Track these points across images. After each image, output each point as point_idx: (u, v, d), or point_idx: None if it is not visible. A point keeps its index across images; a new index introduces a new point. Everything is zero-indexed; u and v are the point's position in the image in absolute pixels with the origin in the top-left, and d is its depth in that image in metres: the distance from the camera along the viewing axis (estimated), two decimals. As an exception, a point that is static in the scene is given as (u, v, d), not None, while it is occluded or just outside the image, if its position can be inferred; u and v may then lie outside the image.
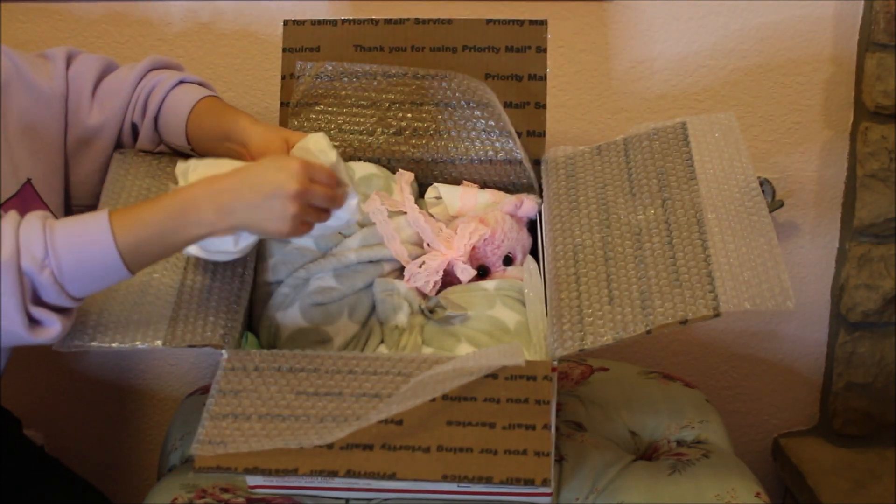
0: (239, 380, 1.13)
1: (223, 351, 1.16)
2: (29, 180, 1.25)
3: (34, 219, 1.07)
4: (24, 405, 1.56)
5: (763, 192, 1.26)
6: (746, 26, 1.62)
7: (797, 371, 1.84)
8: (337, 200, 1.13)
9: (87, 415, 1.83)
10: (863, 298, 1.71)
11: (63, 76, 1.29)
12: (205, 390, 1.53)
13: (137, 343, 1.16)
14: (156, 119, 1.31)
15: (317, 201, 1.10)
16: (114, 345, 1.16)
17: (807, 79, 1.66)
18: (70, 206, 1.33)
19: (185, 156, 1.36)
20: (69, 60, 1.31)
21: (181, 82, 1.32)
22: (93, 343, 1.16)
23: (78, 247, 1.06)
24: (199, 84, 1.34)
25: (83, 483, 1.43)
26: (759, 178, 1.32)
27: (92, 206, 1.32)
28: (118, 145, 1.34)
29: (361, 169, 1.36)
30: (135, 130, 1.34)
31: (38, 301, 1.07)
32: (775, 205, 1.68)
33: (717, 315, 1.10)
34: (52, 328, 1.08)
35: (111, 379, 1.81)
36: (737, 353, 1.82)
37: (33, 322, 1.07)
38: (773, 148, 1.70)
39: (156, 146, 1.33)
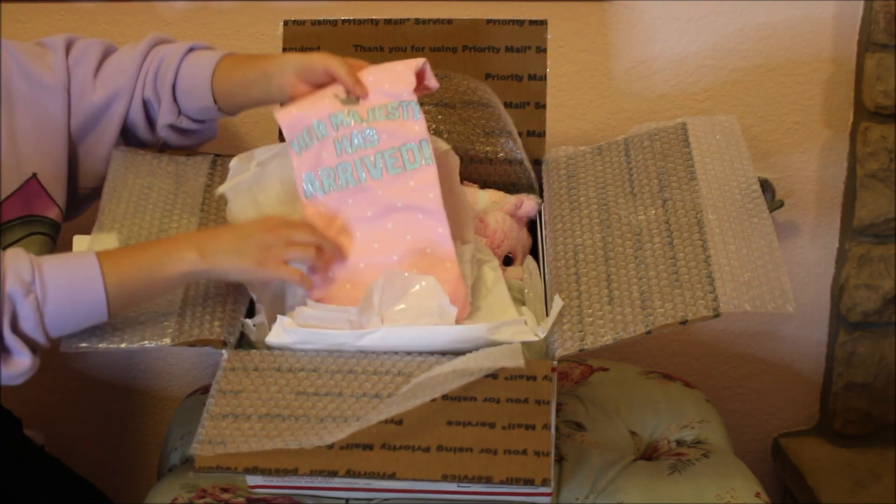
0: (239, 380, 1.13)
1: (223, 351, 1.16)
2: (35, 175, 1.24)
3: (18, 249, 1.09)
4: (24, 405, 1.56)
5: (763, 191, 1.26)
6: (746, 26, 1.62)
7: (797, 371, 1.84)
8: (318, 235, 1.18)
9: (87, 415, 1.83)
10: (863, 298, 1.71)
11: (63, 66, 1.28)
12: (205, 390, 1.53)
13: (146, 342, 1.16)
14: (173, 89, 1.29)
15: (296, 237, 1.16)
16: (122, 345, 1.16)
17: (807, 79, 1.66)
18: (77, 191, 1.33)
19: (186, 155, 1.36)
20: (68, 48, 1.30)
21: (192, 49, 1.31)
22: (101, 345, 1.16)
23: (64, 276, 1.08)
24: (210, 49, 1.33)
25: (84, 483, 1.43)
26: (759, 178, 1.32)
27: (98, 189, 1.32)
28: (130, 129, 1.33)
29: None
30: (146, 109, 1.32)
31: (15, 329, 1.07)
32: (775, 205, 1.68)
33: (716, 316, 1.10)
34: (22, 361, 1.08)
35: (111, 379, 1.81)
36: (737, 353, 1.82)
37: (4, 351, 1.08)
38: (773, 148, 1.70)
39: (176, 117, 1.31)
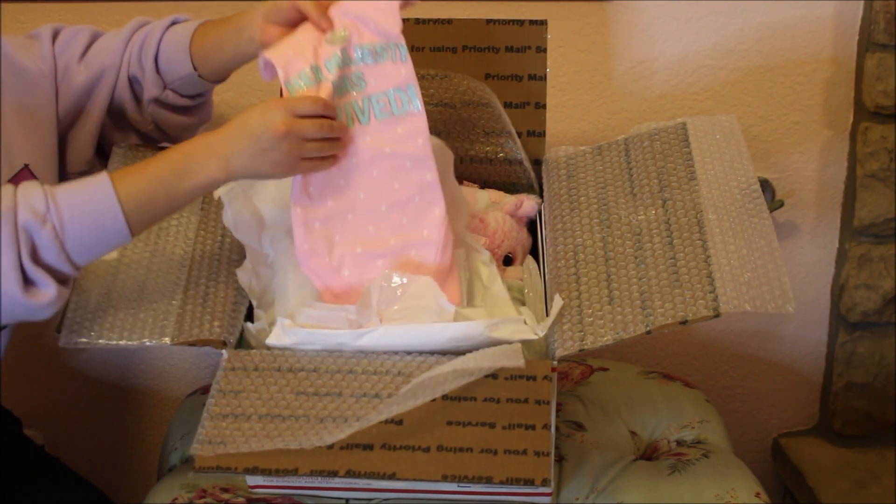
0: (239, 380, 1.13)
1: (223, 351, 1.17)
2: (26, 165, 1.24)
3: (29, 182, 1.09)
4: (24, 405, 1.56)
5: (763, 191, 1.26)
6: (746, 26, 1.62)
7: (797, 371, 1.84)
8: (328, 127, 1.15)
9: (87, 415, 1.83)
10: (863, 298, 1.71)
11: (50, 54, 1.28)
12: (205, 390, 1.53)
13: (145, 341, 1.16)
14: (156, 60, 1.28)
15: (309, 134, 1.13)
16: (121, 342, 1.16)
17: (807, 79, 1.66)
18: (66, 176, 1.32)
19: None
20: (55, 36, 1.30)
21: (174, 22, 1.30)
22: (100, 341, 1.16)
23: (79, 201, 1.08)
24: (192, 20, 1.32)
25: (83, 483, 1.43)
26: (759, 178, 1.32)
27: (86, 173, 1.31)
28: (118, 110, 1.32)
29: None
30: (132, 87, 1.31)
31: (37, 260, 1.07)
32: (775, 205, 1.68)
33: (716, 316, 1.10)
34: (47, 291, 1.08)
35: (111, 379, 1.82)
36: (737, 353, 1.82)
37: (28, 283, 1.07)
38: (773, 148, 1.70)
39: (162, 91, 1.30)
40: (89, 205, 1.08)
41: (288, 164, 1.14)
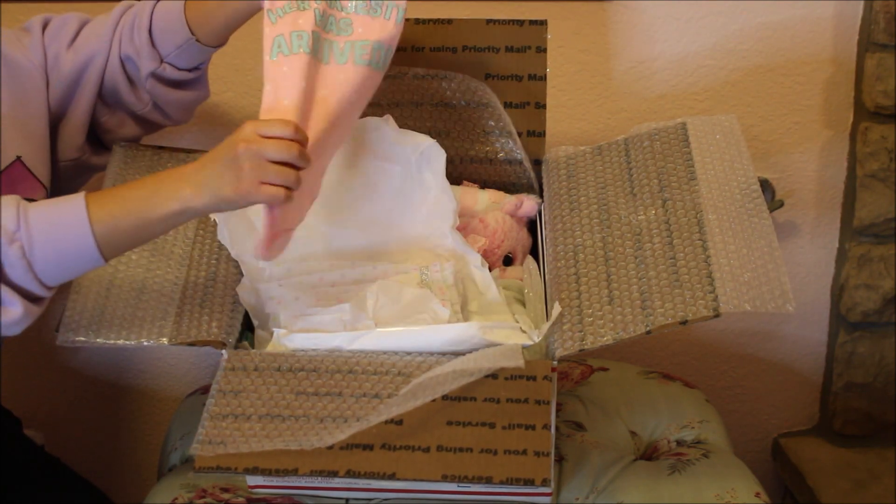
0: (239, 380, 1.13)
1: (223, 351, 1.17)
2: (19, 157, 1.24)
3: (8, 197, 1.07)
4: (24, 405, 1.56)
5: (763, 191, 1.26)
6: (746, 26, 1.62)
7: (797, 371, 1.84)
8: (296, 151, 1.06)
9: (87, 415, 1.83)
10: (863, 298, 1.71)
11: (40, 45, 1.28)
12: (205, 390, 1.53)
13: (143, 340, 1.16)
14: (150, 33, 1.26)
15: (270, 153, 1.05)
16: (119, 342, 1.16)
17: (807, 79, 1.66)
18: (57, 164, 1.31)
19: (186, 152, 1.36)
20: (45, 26, 1.30)
21: None
22: (98, 340, 1.16)
23: (51, 222, 1.05)
24: None
25: (83, 483, 1.43)
26: (759, 178, 1.32)
27: (77, 160, 1.31)
28: (112, 93, 1.31)
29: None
30: (125, 68, 1.29)
31: (2, 278, 1.05)
32: (775, 205, 1.68)
33: (716, 316, 1.10)
34: (13, 309, 1.06)
35: (111, 379, 1.82)
36: (737, 353, 1.82)
37: None
38: (773, 148, 1.70)
39: (159, 64, 1.27)
40: (60, 226, 1.06)
41: (246, 185, 1.05)
